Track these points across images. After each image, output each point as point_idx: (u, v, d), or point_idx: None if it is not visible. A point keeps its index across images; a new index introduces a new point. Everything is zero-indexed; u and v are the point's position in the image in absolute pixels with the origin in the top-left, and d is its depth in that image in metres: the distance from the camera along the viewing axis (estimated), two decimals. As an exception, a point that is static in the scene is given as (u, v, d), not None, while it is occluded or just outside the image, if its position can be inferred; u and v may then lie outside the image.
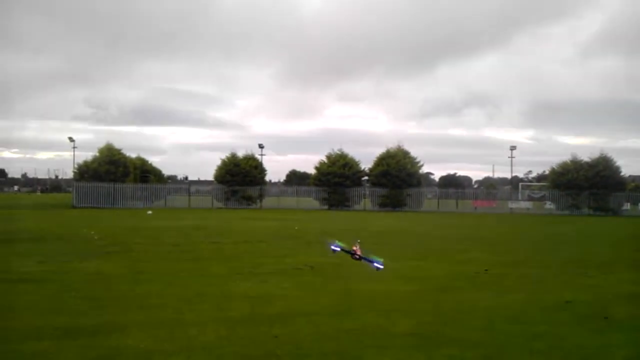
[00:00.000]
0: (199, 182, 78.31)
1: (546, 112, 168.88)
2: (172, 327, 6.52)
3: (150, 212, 36.34)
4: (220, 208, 47.57)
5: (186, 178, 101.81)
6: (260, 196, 50.94)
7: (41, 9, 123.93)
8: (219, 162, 51.64)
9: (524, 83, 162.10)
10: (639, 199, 54.02)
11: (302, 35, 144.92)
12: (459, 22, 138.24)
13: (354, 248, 6.14)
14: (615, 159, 50.68)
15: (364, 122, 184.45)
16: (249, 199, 50.16)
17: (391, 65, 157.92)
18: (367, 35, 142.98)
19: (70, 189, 53.01)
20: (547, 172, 56.65)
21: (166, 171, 77.11)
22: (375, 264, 6.24)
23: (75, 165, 49.47)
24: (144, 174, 52.26)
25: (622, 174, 51.58)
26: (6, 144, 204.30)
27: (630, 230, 27.20)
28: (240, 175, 49.93)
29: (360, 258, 6.12)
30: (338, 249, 6.06)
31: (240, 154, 52.36)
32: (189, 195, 51.07)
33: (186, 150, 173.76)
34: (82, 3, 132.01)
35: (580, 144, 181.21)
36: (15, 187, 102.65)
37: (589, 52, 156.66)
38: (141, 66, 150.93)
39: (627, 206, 51.53)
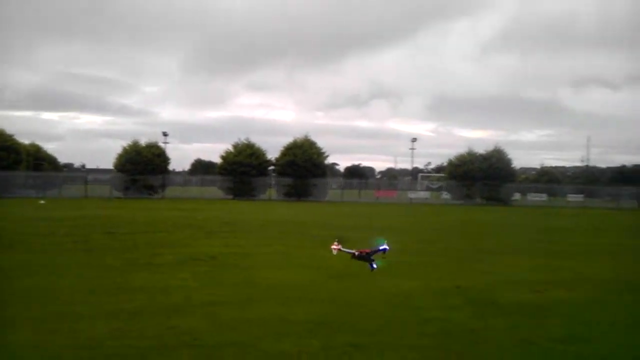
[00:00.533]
0: (97, 171, 75.14)
1: (447, 106, 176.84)
2: (62, 321, 6.22)
3: (42, 201, 34.46)
4: (120, 198, 45.86)
5: (83, 166, 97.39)
6: (163, 185, 49.64)
7: None
8: (120, 150, 49.77)
9: (427, 77, 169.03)
10: (528, 189, 57.70)
11: (211, 23, 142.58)
12: (367, 16, 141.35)
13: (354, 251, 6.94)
14: (508, 152, 53.77)
15: (272, 112, 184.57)
16: (151, 189, 48.75)
17: (300, 56, 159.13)
18: (277, 25, 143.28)
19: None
20: (445, 164, 59.16)
21: (62, 159, 73.55)
22: (382, 248, 6.95)
23: (-40, 152, 45.98)
24: (37, 161, 49.45)
25: (513, 166, 54.83)
26: None
27: (518, 219, 28.95)
28: (142, 164, 48.35)
29: (363, 256, 6.92)
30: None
31: (143, 141, 50.76)
32: (86, 184, 48.86)
33: (85, 137, 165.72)
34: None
35: (478, 137, 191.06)
36: None
37: (487, 50, 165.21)
38: (39, 48, 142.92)
39: (517, 196, 54.88)
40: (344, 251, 6.99)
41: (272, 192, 50.99)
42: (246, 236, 16.23)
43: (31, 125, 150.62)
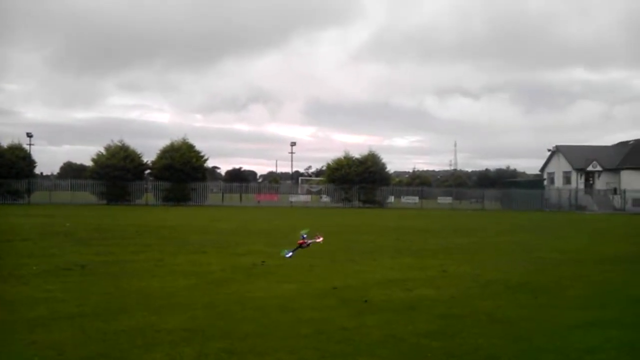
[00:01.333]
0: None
1: (323, 111, 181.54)
2: None
3: None
4: (-22, 204, 42.23)
5: None
6: (28, 190, 46.41)
7: None
8: (-22, 153, 45.82)
9: (302, 83, 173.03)
10: (402, 192, 60.44)
11: (79, 21, 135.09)
12: (242, 20, 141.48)
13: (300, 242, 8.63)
14: (382, 156, 55.97)
15: (147, 114, 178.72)
16: (15, 194, 45.44)
17: (174, 56, 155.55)
18: (152, 23, 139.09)
19: None
20: (324, 168, 60.45)
21: None
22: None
23: None
24: None
25: (387, 170, 57.19)
26: None
27: (392, 221, 30.22)
28: (5, 167, 44.92)
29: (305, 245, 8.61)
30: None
31: (6, 143, 47.11)
32: (-61, 190, 44.46)
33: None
34: None
35: (355, 141, 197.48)
36: None
37: (357, 58, 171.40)
38: None
39: (391, 199, 57.30)
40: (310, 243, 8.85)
41: (149, 197, 49.35)
42: (119, 243, 15.57)
43: None
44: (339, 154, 56.37)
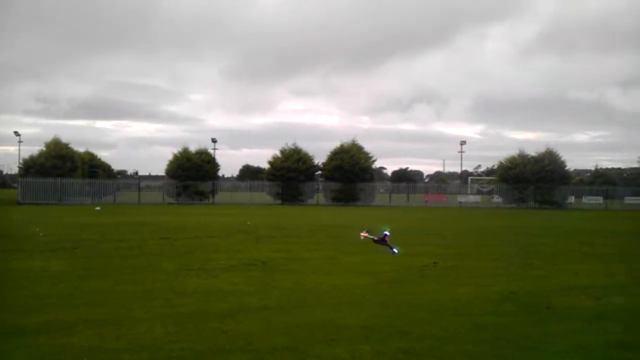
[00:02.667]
0: (149, 177, 77.06)
1: (493, 109, 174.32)
2: (119, 324, 6.41)
3: (98, 208, 35.57)
4: (172, 204, 46.90)
5: (136, 173, 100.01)
6: (213, 191, 50.50)
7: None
8: (170, 157, 50.89)
9: (469, 80, 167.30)
10: (583, 192, 56.04)
11: (250, 33, 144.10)
12: (403, 21, 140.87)
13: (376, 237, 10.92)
14: (560, 154, 52.34)
15: (318, 117, 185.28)
16: (202, 194, 49.66)
17: (341, 61, 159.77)
18: (318, 31, 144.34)
19: (16, 185, 51.30)
20: (495, 167, 58.09)
21: (116, 166, 75.66)
22: (394, 250, 10.42)
23: (21, 160, 48.00)
24: (92, 168, 51.07)
25: (566, 168, 53.35)
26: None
27: (574, 223, 28.15)
28: (193, 170, 49.32)
29: (381, 242, 10.21)
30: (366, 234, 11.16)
31: (193, 148, 51.80)
32: (139, 191, 50.16)
33: (137, 144, 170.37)
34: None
35: (528, 139, 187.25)
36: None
37: (527, 52, 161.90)
38: (92, 61, 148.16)
39: (571, 199, 53.37)
40: (369, 237, 10.15)
41: (320, 197, 51.14)
42: (295, 241, 16.34)
43: (86, 134, 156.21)
44: (511, 152, 53.91)
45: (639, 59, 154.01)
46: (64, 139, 48.07)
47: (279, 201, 49.67)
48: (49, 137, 48.60)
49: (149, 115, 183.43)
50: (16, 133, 56.27)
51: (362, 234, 11.94)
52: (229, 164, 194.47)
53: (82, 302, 7.58)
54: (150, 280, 9.37)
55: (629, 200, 53.98)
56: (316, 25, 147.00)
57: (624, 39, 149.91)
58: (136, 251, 13.35)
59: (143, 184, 54.09)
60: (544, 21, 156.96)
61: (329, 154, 51.97)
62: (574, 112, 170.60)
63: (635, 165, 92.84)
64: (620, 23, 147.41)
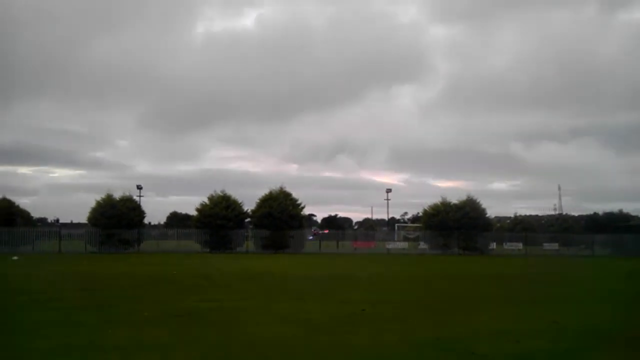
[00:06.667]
0: (71, 225, 73.73)
1: (414, 158, 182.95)
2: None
3: (15, 257, 33.74)
4: (94, 253, 45.05)
5: (57, 220, 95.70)
6: (138, 239, 48.94)
7: None
8: (94, 204, 49.11)
9: (384, 133, 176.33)
10: (504, 238, 58.14)
11: (170, 84, 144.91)
12: (318, 79, 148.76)
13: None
14: (480, 201, 54.26)
15: (245, 165, 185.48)
16: (126, 243, 47.97)
17: (260, 112, 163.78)
18: (233, 82, 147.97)
19: None
20: (420, 214, 59.47)
21: (36, 213, 72.14)
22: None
23: None
24: (8, 216, 48.49)
25: (487, 215, 55.26)
26: None
27: (495, 269, 29.09)
28: (117, 218, 47.63)
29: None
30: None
31: (118, 195, 50.24)
32: (60, 239, 47.92)
33: (60, 191, 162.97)
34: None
35: (450, 186, 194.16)
36: None
37: (434, 109, 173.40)
38: (12, 106, 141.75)
39: (493, 245, 55.20)
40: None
41: (250, 245, 50.62)
42: (224, 290, 16.05)
43: (5, 181, 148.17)
44: (435, 199, 55.41)
45: (536, 116, 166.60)
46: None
47: (208, 249, 48.76)
48: (-39, 184, 46.02)
49: (72, 162, 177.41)
50: None
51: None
52: (155, 211, 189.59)
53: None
54: (69, 334, 8.92)
55: (547, 246, 56.44)
56: (231, 76, 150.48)
57: (520, 98, 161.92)
58: (55, 304, 12.69)
59: (64, 231, 51.69)
60: (445, 81, 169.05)
61: (257, 201, 51.75)
62: (486, 163, 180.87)
63: (551, 212, 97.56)
64: (511, 87, 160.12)
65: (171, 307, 12.23)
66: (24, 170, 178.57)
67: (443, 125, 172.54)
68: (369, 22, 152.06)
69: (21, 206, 55.18)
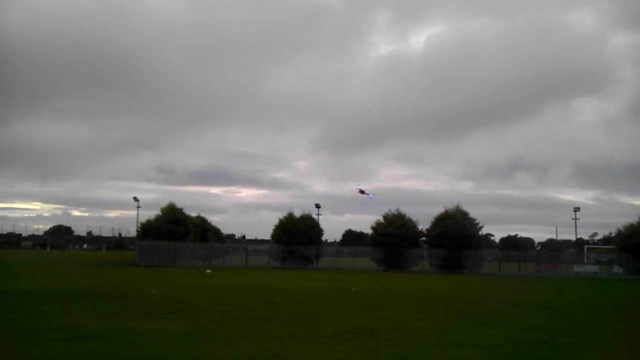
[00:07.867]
0: (256, 241, 79.02)
1: (602, 174, 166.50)
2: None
3: (209, 270, 36.80)
4: (277, 267, 47.67)
5: (243, 237, 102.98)
6: (317, 256, 50.81)
7: (113, 86, 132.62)
8: (276, 222, 52.07)
9: (563, 149, 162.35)
10: None
11: (350, 103, 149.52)
12: (492, 96, 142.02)
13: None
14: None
15: (418, 183, 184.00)
16: (306, 259, 50.09)
17: (427, 130, 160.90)
18: (411, 102, 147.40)
19: (133, 247, 54.37)
20: (613, 235, 54.28)
21: (225, 230, 78.14)
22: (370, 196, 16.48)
23: (139, 224, 50.99)
24: (203, 232, 53.17)
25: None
26: (75, 203, 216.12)
27: None
28: (297, 235, 50.04)
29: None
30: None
31: (297, 213, 52.68)
32: (247, 254, 51.46)
33: (245, 209, 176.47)
34: (149, 81, 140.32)
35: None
36: (85, 245, 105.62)
37: (618, 120, 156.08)
38: (203, 134, 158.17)
39: None
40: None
41: (425, 264, 49.99)
42: (403, 309, 15.98)
43: (199, 199, 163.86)
44: (629, 219, 50.22)
45: None
46: (179, 204, 50.69)
47: (382, 267, 49.03)
48: (165, 202, 51.40)
49: (256, 182, 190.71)
50: (135, 199, 60.27)
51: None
52: (331, 229, 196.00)
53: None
54: (256, 345, 9.45)
55: None
56: (401, 97, 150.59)
57: None
58: (246, 315, 13.59)
59: (250, 247, 55.49)
60: (635, 91, 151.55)
61: (432, 219, 50.99)
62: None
63: None
64: None
65: (352, 323, 12.44)
66: (215, 190, 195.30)
67: (634, 138, 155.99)
68: (540, 35, 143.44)
69: (212, 223, 60.49)
